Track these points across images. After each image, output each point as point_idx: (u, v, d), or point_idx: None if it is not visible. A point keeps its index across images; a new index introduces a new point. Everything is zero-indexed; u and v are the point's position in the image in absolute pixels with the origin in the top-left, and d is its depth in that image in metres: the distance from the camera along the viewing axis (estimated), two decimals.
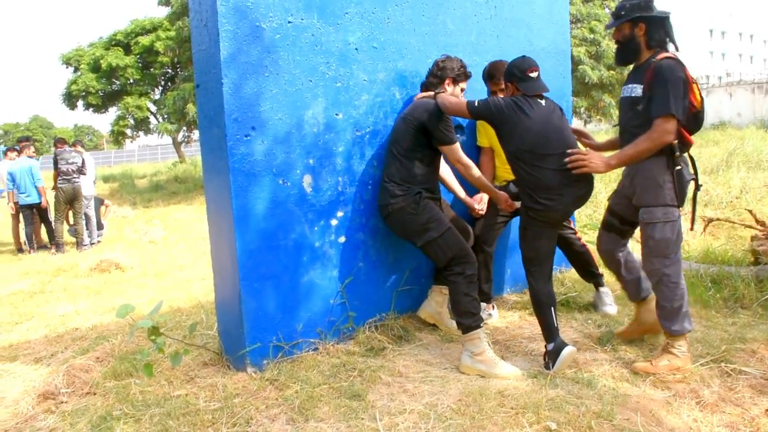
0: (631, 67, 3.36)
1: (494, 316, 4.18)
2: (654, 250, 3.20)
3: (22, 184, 9.93)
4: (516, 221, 4.36)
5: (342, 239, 3.67)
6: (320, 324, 3.59)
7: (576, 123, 20.26)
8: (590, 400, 2.88)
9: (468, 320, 3.38)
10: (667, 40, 3.23)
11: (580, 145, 3.59)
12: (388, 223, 3.67)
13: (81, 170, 9.98)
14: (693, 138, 3.18)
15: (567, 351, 3.25)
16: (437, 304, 3.96)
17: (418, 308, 4.01)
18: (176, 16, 16.93)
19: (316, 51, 3.49)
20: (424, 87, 3.75)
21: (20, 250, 10.37)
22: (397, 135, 3.63)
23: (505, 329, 4.00)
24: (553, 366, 3.25)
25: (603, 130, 21.15)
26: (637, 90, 3.19)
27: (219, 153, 3.29)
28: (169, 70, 26.05)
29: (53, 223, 10.04)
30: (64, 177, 9.80)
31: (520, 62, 3.34)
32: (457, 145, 3.59)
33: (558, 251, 4.36)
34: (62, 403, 3.22)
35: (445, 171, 3.99)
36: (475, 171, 3.65)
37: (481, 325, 3.41)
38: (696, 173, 3.25)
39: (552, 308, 3.34)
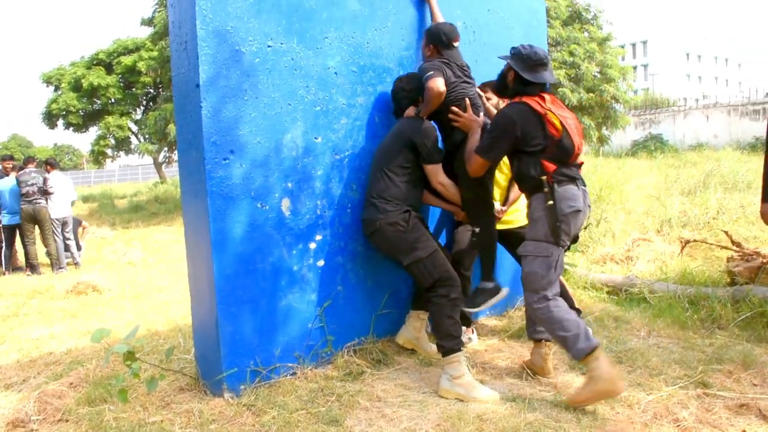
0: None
1: (474, 339, 4.17)
2: (526, 283, 3.23)
3: (7, 204, 9.80)
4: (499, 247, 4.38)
5: (321, 263, 3.66)
6: (298, 348, 3.56)
7: None
8: (569, 423, 2.88)
9: (449, 343, 3.38)
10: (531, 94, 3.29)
11: None
12: (373, 240, 3.64)
13: (43, 190, 9.80)
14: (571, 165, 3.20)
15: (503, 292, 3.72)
16: (415, 329, 3.94)
17: (397, 333, 3.99)
18: (159, 36, 16.93)
19: (296, 75, 3.50)
20: (400, 110, 3.78)
21: None
22: (386, 152, 3.64)
23: (484, 352, 4.00)
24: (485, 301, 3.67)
25: (583, 152, 21.35)
26: None
27: (197, 176, 3.28)
28: (151, 90, 25.97)
29: (26, 246, 9.87)
30: (25, 199, 9.66)
31: (448, 29, 3.72)
32: (440, 166, 3.62)
33: None
34: (33, 431, 3.15)
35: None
36: (454, 189, 3.68)
37: (462, 348, 3.42)
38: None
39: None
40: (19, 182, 9.70)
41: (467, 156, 3.45)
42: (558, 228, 3.11)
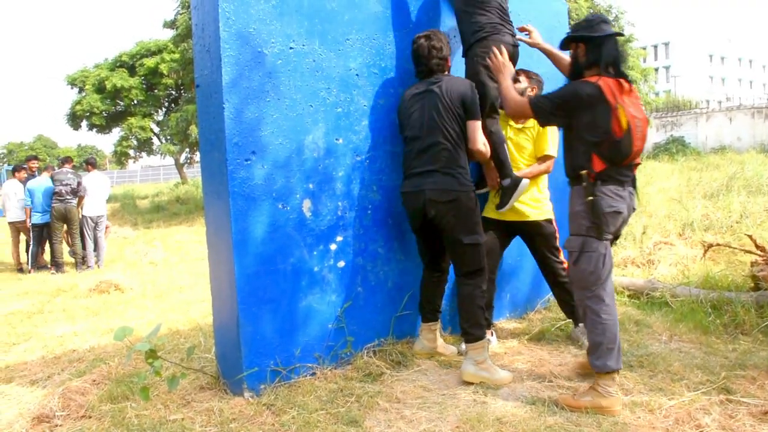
0: None
1: (493, 342, 4.16)
2: (575, 280, 3.19)
3: (38, 204, 9.98)
4: (512, 247, 4.36)
5: (341, 264, 3.67)
6: (318, 349, 3.58)
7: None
8: (589, 427, 2.87)
9: (478, 331, 3.55)
10: (607, 61, 3.09)
11: None
12: (439, 208, 3.49)
13: (75, 191, 9.99)
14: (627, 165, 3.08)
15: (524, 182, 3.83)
16: (429, 341, 3.90)
17: (415, 338, 3.99)
18: (181, 38, 17.10)
19: (317, 76, 3.52)
20: (430, 72, 3.67)
21: (20, 269, 10.37)
22: (442, 116, 3.53)
23: (504, 355, 3.99)
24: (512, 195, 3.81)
25: None
26: None
27: (219, 177, 3.31)
28: (173, 92, 26.24)
29: (53, 244, 10.04)
30: (58, 198, 9.85)
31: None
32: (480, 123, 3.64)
33: (544, 281, 4.37)
34: (57, 426, 3.19)
35: None
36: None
37: (485, 335, 3.61)
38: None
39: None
40: (53, 180, 9.89)
41: (505, 95, 3.36)
42: (597, 224, 3.05)
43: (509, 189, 3.84)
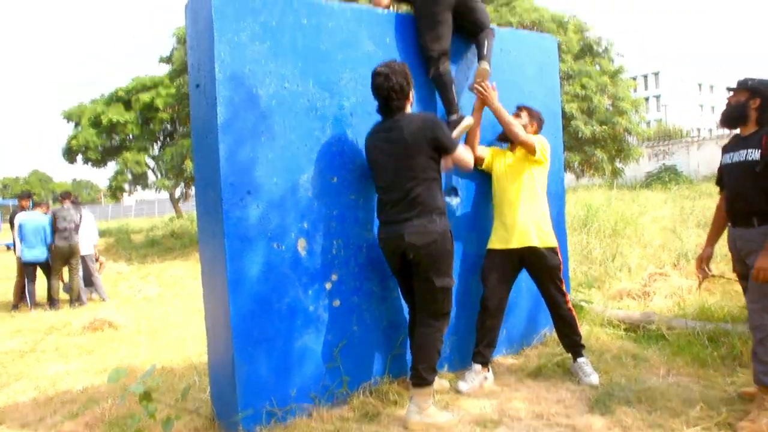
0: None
1: (489, 378, 4.12)
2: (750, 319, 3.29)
3: (32, 239, 9.82)
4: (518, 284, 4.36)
5: (336, 303, 3.66)
6: (314, 389, 3.55)
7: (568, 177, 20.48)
8: None
9: (430, 375, 3.48)
10: None
11: None
12: (418, 251, 3.45)
13: (78, 227, 9.95)
14: None
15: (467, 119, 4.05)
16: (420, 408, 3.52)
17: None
18: (176, 73, 17.22)
19: (312, 116, 3.56)
20: (390, 111, 3.57)
21: (15, 306, 10.25)
22: (411, 156, 3.46)
23: (501, 392, 3.95)
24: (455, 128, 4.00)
25: (596, 185, 21.31)
26: (754, 154, 3.34)
27: (214, 216, 3.32)
28: (168, 126, 26.34)
29: (51, 281, 9.93)
30: (62, 235, 9.75)
31: None
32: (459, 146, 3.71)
33: (547, 313, 4.36)
34: None
35: None
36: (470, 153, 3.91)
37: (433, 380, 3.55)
38: None
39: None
40: (56, 218, 9.74)
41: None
42: None
43: (455, 123, 4.06)
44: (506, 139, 4.23)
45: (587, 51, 18.64)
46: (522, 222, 4.07)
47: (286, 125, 3.45)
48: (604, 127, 17.52)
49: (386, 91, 3.50)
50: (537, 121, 4.26)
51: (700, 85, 72.27)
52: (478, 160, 4.25)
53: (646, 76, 68.76)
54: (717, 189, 3.94)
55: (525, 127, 4.14)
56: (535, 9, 16.61)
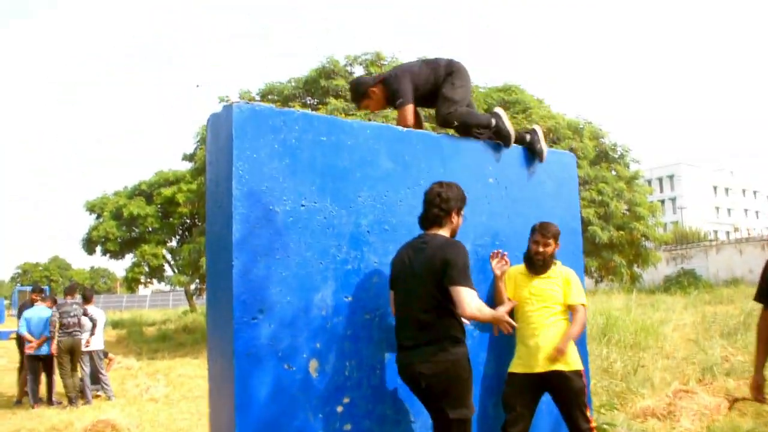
0: None
1: None
2: None
3: (36, 333, 9.74)
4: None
5: (347, 427, 3.48)
6: None
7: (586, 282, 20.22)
8: None
9: None
10: None
11: None
12: (430, 380, 3.30)
13: (80, 322, 9.82)
14: None
15: None
16: None
17: None
18: (198, 171, 17.60)
19: (328, 234, 3.53)
20: (427, 221, 3.56)
21: (19, 401, 10.03)
22: (422, 286, 3.36)
23: None
24: None
25: (614, 289, 21.01)
26: None
27: (225, 334, 3.24)
28: (188, 221, 26.74)
29: (63, 378, 9.70)
30: (65, 330, 9.62)
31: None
32: (474, 292, 3.32)
33: None
34: None
35: None
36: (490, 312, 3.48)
37: None
38: None
39: None
40: (60, 313, 9.68)
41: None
42: None
43: (499, 123, 4.26)
44: (531, 261, 4.15)
45: (603, 157, 18.88)
46: (546, 345, 3.94)
47: (301, 243, 3.41)
48: (621, 232, 17.47)
49: (432, 195, 3.51)
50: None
51: (715, 188, 72.67)
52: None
53: (661, 179, 69.37)
54: (759, 305, 3.67)
55: (553, 251, 4.10)
56: (551, 116, 16.96)
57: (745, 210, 75.52)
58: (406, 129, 4.05)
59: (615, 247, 17.50)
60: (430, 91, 4.32)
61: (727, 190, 73.96)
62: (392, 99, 4.31)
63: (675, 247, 35.57)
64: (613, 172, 18.73)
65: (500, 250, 4.15)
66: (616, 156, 19.46)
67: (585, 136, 17.70)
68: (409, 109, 4.20)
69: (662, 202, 58.62)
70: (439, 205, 3.50)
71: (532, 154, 4.59)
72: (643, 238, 18.84)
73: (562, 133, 16.57)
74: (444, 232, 3.54)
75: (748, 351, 9.07)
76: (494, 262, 4.13)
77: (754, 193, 78.51)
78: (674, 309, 16.35)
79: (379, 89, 4.34)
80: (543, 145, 4.56)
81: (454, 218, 3.57)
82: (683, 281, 29.91)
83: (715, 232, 56.61)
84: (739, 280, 29.15)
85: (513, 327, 3.53)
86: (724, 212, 72.45)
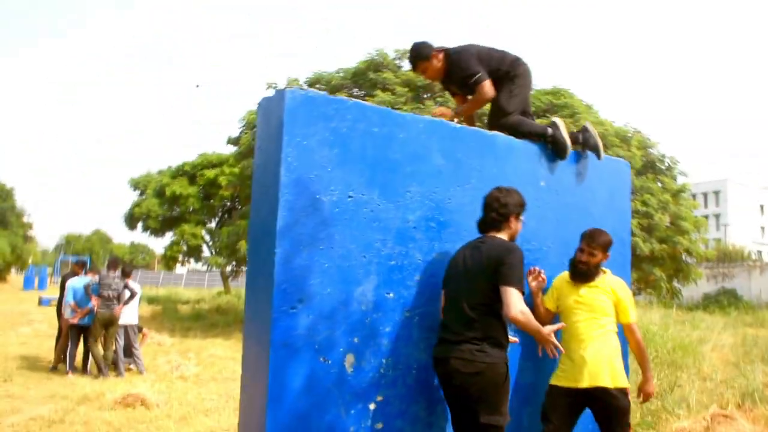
0: None
1: None
2: None
3: (82, 303, 9.99)
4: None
5: (379, 425, 3.41)
6: None
7: None
8: None
9: None
10: None
11: None
12: (463, 380, 3.27)
13: (120, 297, 9.99)
14: None
15: None
16: None
17: None
18: (242, 156, 17.72)
19: (374, 227, 3.45)
20: (485, 224, 3.57)
21: (54, 367, 10.26)
22: (476, 278, 3.36)
23: None
24: None
25: (652, 303, 20.54)
26: None
27: (262, 323, 3.19)
28: (228, 204, 27.03)
29: (92, 348, 9.95)
30: (105, 302, 9.81)
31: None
32: (520, 296, 3.30)
33: None
34: None
35: None
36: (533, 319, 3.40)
37: None
38: None
39: None
40: (101, 284, 9.88)
41: None
42: None
43: (556, 133, 4.19)
44: (574, 268, 4.02)
45: (650, 167, 18.42)
46: (593, 359, 3.79)
47: (346, 234, 3.35)
48: (663, 245, 17.03)
49: (491, 199, 3.54)
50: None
51: (762, 207, 70.62)
52: (546, 317, 4.03)
53: (706, 194, 67.65)
54: None
55: (598, 261, 3.95)
56: (599, 122, 16.58)
57: None
58: (459, 126, 3.96)
59: (656, 260, 17.07)
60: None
61: None
62: (452, 74, 4.27)
63: (717, 264, 34.66)
64: (660, 184, 18.25)
65: (537, 267, 4.06)
66: (664, 167, 18.97)
67: (633, 145, 17.26)
68: (489, 83, 4.17)
69: (706, 217, 57.25)
70: (497, 209, 3.51)
71: (583, 151, 4.45)
72: (686, 254, 18.35)
73: (609, 140, 16.19)
74: (502, 235, 3.53)
75: None
76: (530, 278, 4.02)
77: None
78: (713, 328, 15.90)
79: (442, 58, 4.29)
80: (597, 139, 4.44)
81: (513, 223, 3.56)
82: (723, 300, 29.13)
83: (759, 252, 55.02)
84: None
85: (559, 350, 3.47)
86: None
